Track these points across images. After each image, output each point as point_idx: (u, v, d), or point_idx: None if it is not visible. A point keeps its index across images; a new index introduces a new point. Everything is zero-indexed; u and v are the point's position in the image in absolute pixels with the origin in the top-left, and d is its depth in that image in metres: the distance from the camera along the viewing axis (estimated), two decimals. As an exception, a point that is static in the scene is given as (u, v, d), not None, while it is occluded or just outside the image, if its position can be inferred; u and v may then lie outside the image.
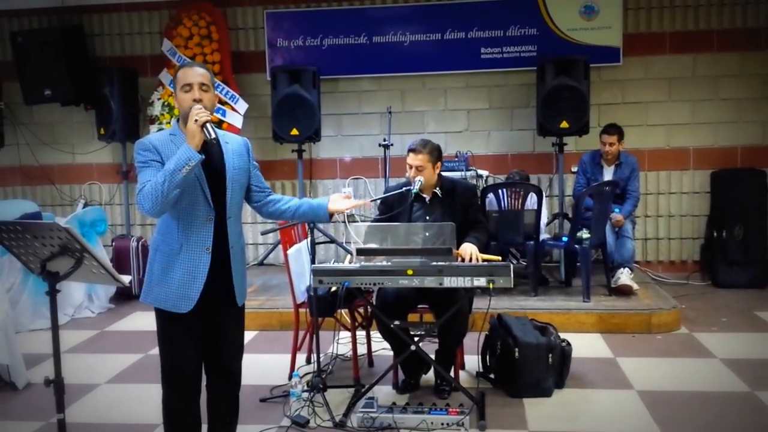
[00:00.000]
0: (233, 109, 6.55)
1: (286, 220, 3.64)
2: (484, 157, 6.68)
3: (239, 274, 2.88)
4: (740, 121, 6.56)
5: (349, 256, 3.80)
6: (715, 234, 6.49)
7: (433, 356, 3.96)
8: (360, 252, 3.60)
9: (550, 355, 3.96)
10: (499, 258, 3.75)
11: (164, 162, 2.68)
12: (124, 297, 6.33)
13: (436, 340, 4.07)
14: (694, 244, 6.72)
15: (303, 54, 6.89)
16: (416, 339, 3.78)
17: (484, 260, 3.66)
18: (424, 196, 4.07)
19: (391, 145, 6.09)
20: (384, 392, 4.00)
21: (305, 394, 3.81)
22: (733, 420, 3.62)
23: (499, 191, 5.45)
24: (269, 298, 5.69)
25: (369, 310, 4.20)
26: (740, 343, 4.84)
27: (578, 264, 5.64)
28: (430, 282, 3.49)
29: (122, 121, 6.76)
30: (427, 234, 3.59)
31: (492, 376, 4.19)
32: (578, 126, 6.02)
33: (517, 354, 3.91)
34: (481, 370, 4.21)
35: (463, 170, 5.85)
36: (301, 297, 4.28)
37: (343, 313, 4.32)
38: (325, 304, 3.92)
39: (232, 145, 2.90)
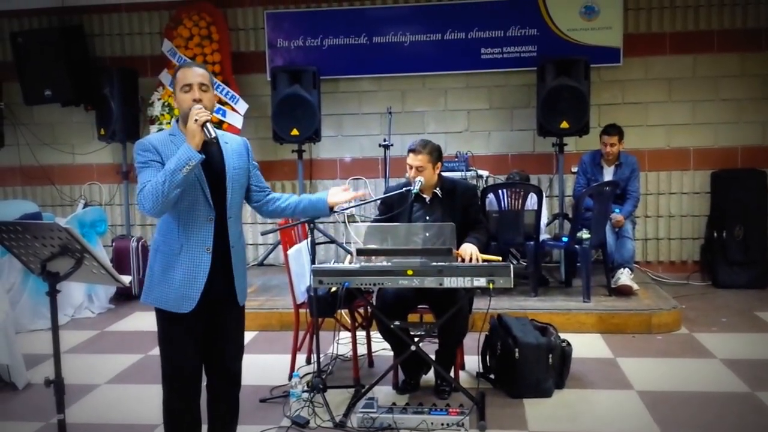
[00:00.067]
0: (233, 110, 6.56)
1: (287, 217, 3.64)
2: (484, 158, 6.69)
3: (240, 274, 2.88)
4: (740, 121, 6.56)
5: (349, 256, 3.80)
6: (715, 234, 6.49)
7: (433, 356, 3.96)
8: (360, 252, 3.60)
9: (550, 356, 3.96)
10: (499, 258, 3.75)
11: (164, 162, 2.68)
12: (124, 297, 6.33)
13: (436, 340, 4.06)
14: (694, 244, 6.72)
15: (303, 54, 6.89)
16: (416, 339, 3.78)
17: (484, 260, 3.66)
18: (424, 196, 4.07)
19: (392, 145, 6.10)
20: (384, 392, 3.99)
21: (305, 395, 3.81)
22: (733, 420, 3.62)
23: (499, 191, 5.45)
24: (269, 299, 5.69)
25: (369, 310, 4.19)
26: (740, 344, 4.84)
27: (578, 264, 5.64)
28: (430, 282, 3.48)
29: (122, 122, 6.76)
30: (427, 234, 3.58)
31: (492, 376, 4.19)
32: (578, 126, 6.02)
33: (517, 354, 3.91)
34: (481, 370, 4.21)
35: (463, 170, 5.86)
36: (301, 297, 4.28)
37: (343, 314, 4.32)
38: (325, 304, 3.92)
39: (231, 145, 2.90)
